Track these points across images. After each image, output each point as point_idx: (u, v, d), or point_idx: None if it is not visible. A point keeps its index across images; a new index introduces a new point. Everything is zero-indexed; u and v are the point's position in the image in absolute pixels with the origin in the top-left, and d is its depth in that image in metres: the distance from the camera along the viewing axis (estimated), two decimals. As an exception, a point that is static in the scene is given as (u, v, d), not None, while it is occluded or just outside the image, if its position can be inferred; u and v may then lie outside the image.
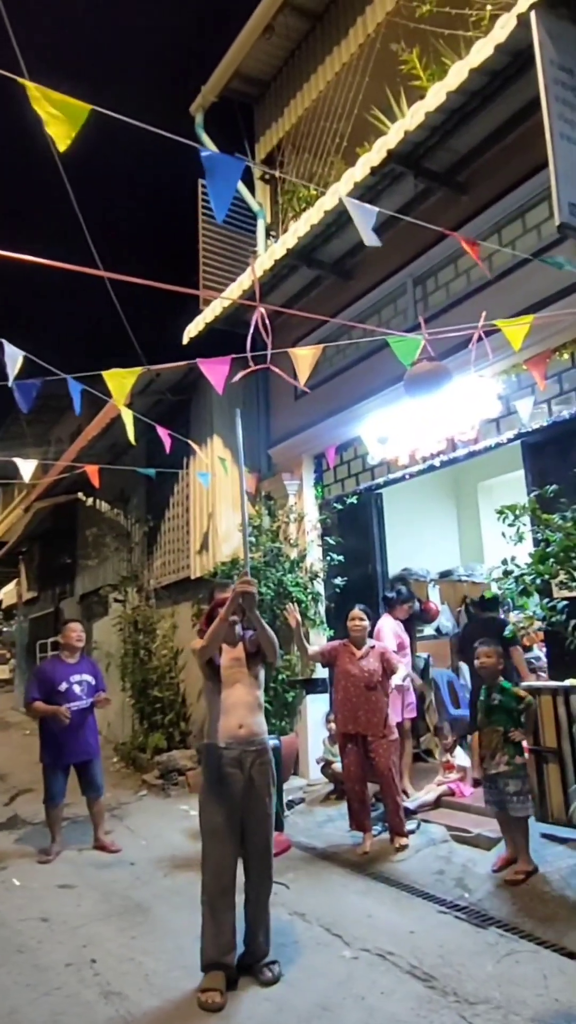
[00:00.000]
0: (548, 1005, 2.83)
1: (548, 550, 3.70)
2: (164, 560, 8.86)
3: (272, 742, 5.21)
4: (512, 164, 4.99)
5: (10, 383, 4.01)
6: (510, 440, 5.17)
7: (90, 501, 11.96)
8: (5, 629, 25.66)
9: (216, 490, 7.58)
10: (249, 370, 3.93)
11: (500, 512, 4.06)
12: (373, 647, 4.95)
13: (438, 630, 7.80)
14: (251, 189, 8.37)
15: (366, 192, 5.59)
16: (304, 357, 4.14)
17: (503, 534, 4.01)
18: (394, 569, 7.47)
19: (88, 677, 5.39)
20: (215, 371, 4.18)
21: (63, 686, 5.23)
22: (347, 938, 3.55)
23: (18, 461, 6.21)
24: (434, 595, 7.96)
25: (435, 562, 8.17)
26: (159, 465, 7.82)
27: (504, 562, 4.01)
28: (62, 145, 2.17)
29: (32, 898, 4.35)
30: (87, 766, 5.26)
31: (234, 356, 4.15)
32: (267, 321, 3.41)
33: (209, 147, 8.27)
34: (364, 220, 3.09)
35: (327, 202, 5.41)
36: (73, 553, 13.07)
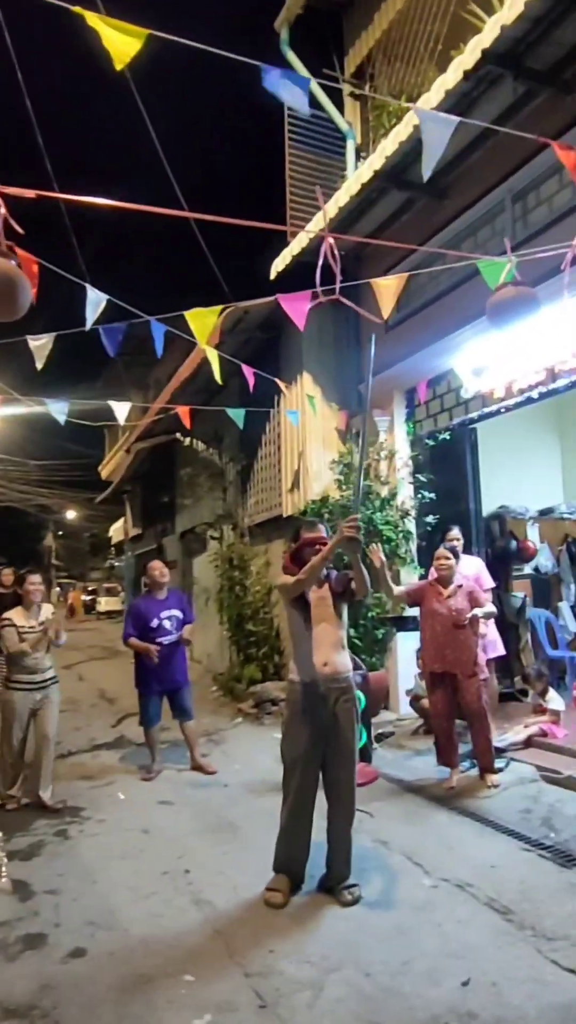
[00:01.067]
0: (629, 947, 2.79)
1: None
2: (257, 499, 8.99)
3: (355, 677, 5.31)
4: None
5: (87, 327, 4.06)
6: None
7: (187, 441, 12.22)
8: (116, 564, 27.14)
9: (306, 428, 7.53)
10: (317, 301, 3.80)
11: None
12: (460, 586, 4.85)
13: (536, 569, 7.55)
14: (340, 107, 7.94)
15: (460, 100, 5.18)
16: (387, 287, 3.97)
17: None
18: (490, 507, 7.24)
19: (176, 612, 5.66)
20: (295, 307, 4.09)
21: (155, 622, 5.53)
22: (427, 867, 3.62)
23: (113, 404, 6.39)
24: (533, 533, 7.66)
25: (535, 499, 7.82)
26: (251, 404, 7.83)
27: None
28: (120, 63, 2.13)
29: (135, 811, 4.71)
30: (176, 693, 5.61)
31: (314, 290, 4.03)
32: (335, 252, 3.26)
33: (295, 66, 7.89)
34: (438, 137, 2.84)
35: (416, 116, 5.03)
36: (172, 492, 13.50)
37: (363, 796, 4.66)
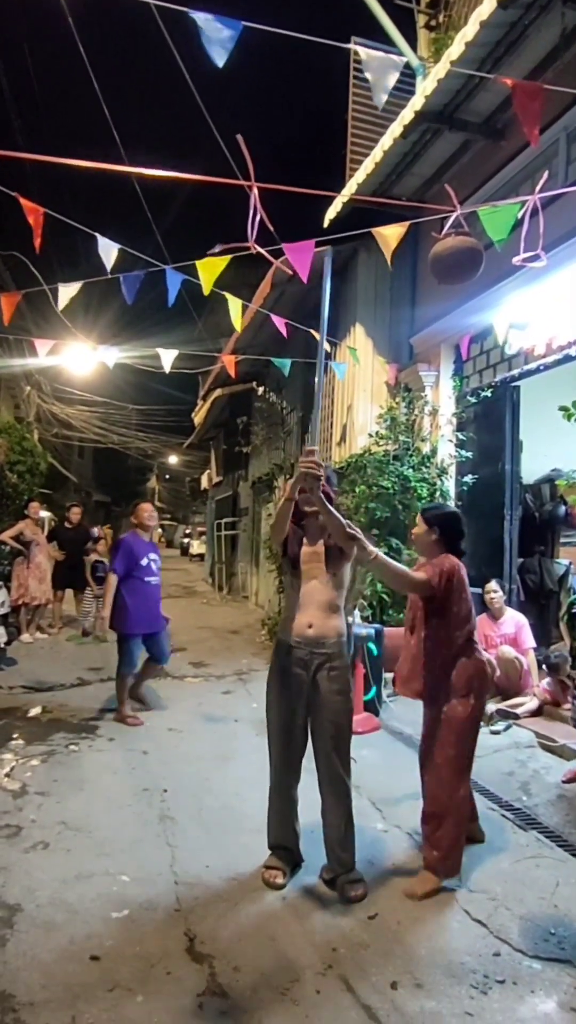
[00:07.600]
0: (544, 908, 2.81)
1: None
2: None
3: (364, 631, 5.38)
4: None
5: (108, 275, 4.25)
6: None
7: (260, 391, 12.37)
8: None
9: (355, 381, 7.47)
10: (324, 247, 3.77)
11: None
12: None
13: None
14: (413, 41, 7.55)
15: (509, 31, 4.86)
16: (390, 236, 3.88)
17: None
18: (533, 468, 6.98)
19: (157, 557, 5.70)
20: (299, 257, 4.09)
21: (144, 560, 5.54)
22: (386, 813, 3.74)
23: (160, 351, 6.59)
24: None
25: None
26: (313, 355, 7.82)
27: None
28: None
29: (143, 735, 5.07)
30: (155, 636, 5.60)
31: (317, 240, 4.01)
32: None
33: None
34: (383, 74, 2.74)
35: (454, 51, 4.77)
36: (248, 440, 13.77)
37: (358, 743, 4.78)
